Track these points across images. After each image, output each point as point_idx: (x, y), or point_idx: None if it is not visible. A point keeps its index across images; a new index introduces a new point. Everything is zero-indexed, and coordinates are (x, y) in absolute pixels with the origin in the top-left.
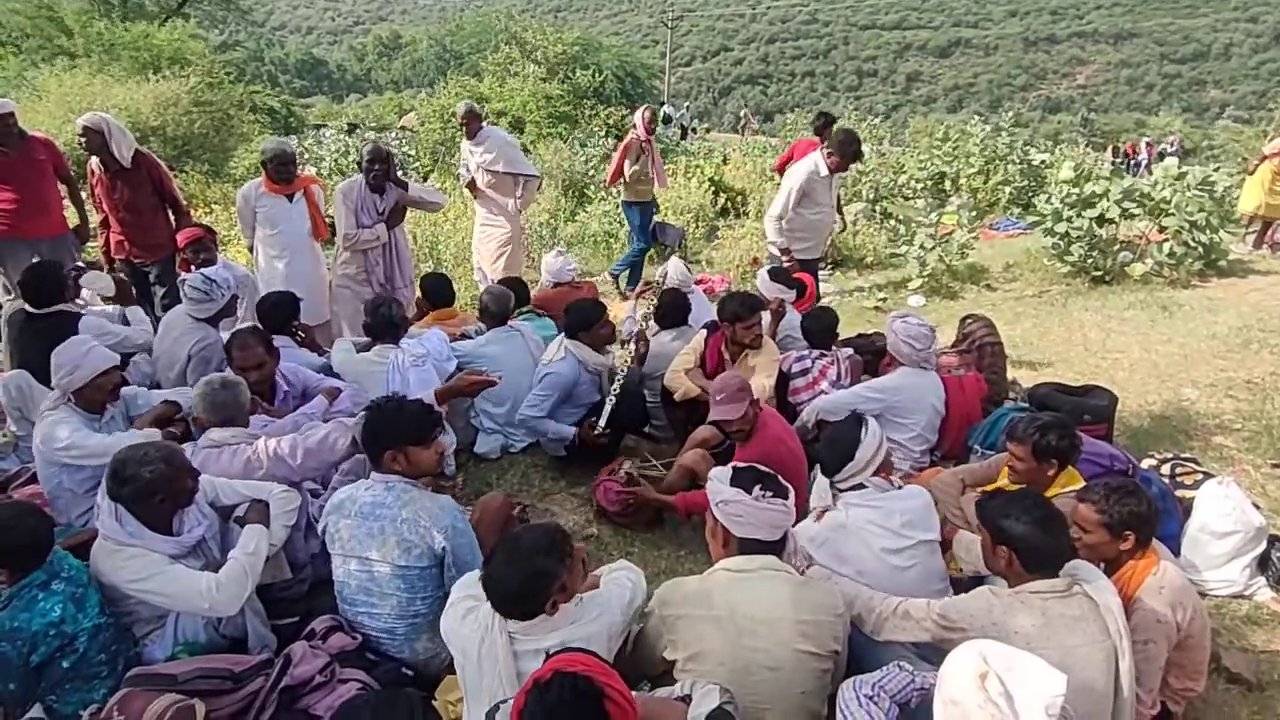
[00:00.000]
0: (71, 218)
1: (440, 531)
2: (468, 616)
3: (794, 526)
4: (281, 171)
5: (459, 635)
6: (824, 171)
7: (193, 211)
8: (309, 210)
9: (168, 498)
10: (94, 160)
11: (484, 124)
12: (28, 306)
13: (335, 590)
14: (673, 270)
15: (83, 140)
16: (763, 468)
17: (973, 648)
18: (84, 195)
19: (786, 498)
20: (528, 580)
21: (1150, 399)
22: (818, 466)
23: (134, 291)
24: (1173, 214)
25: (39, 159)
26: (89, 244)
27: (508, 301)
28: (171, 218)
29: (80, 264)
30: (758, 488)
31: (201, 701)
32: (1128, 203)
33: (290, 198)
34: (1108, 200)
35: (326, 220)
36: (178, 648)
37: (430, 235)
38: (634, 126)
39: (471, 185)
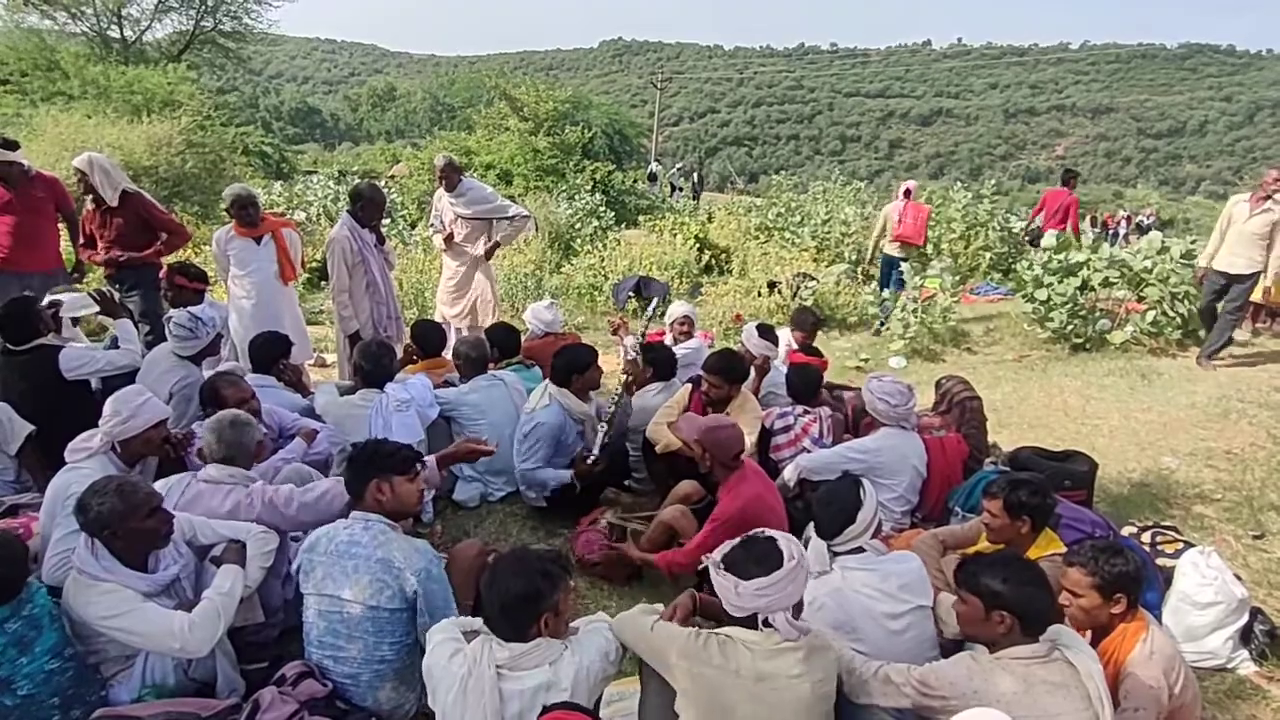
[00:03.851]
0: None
1: (414, 574)
2: (454, 656)
3: None
4: (244, 215)
5: (445, 671)
6: None
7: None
8: (277, 254)
9: (121, 535)
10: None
11: (463, 176)
12: (7, 344)
13: (304, 632)
14: (677, 308)
15: (78, 181)
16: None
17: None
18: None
19: (778, 567)
20: (531, 581)
21: (1130, 466)
22: (810, 527)
23: (117, 299)
24: (1154, 284)
25: (38, 196)
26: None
27: (485, 349)
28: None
29: (57, 296)
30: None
31: None
32: (1109, 271)
33: (259, 240)
34: (1090, 269)
35: (307, 264)
36: (145, 690)
37: (416, 282)
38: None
39: (449, 239)
